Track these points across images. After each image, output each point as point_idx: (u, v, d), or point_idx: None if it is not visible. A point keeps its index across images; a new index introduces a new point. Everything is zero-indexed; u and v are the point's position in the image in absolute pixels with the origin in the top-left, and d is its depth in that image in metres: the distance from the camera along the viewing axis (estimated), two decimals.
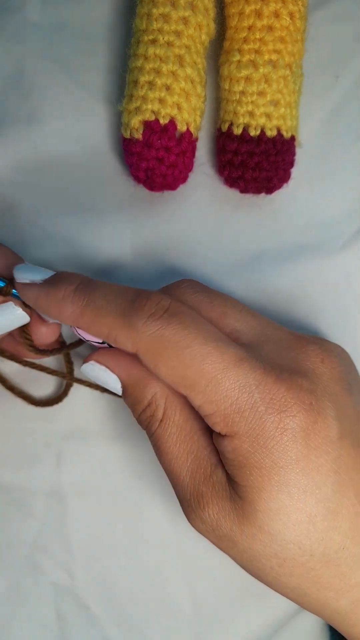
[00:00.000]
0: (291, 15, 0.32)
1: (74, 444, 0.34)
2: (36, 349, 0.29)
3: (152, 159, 0.32)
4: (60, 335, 0.30)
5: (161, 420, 0.26)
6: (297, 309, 0.35)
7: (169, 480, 0.27)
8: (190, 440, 0.26)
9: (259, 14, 0.32)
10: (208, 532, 0.26)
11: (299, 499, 0.23)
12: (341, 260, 0.35)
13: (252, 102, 0.32)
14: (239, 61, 0.32)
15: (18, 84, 0.36)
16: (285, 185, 0.34)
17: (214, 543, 0.26)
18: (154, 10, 0.31)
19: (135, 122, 0.32)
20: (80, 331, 0.27)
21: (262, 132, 0.32)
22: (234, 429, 0.24)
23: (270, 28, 0.32)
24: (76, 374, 0.33)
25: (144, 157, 0.32)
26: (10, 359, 0.32)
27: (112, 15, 0.36)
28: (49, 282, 0.26)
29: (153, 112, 0.32)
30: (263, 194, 0.35)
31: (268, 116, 0.32)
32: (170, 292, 0.28)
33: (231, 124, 0.33)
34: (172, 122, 0.32)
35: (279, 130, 0.32)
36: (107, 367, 0.27)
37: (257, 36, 0.32)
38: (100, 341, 0.27)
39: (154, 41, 0.32)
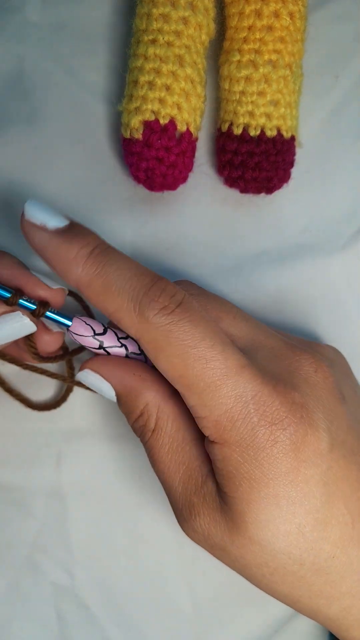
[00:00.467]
0: (291, 15, 0.32)
1: (74, 444, 0.34)
2: (40, 356, 0.29)
3: (152, 159, 0.32)
4: (63, 342, 0.31)
5: (153, 430, 0.26)
6: (297, 308, 0.35)
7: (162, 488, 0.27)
8: (182, 450, 0.26)
9: (259, 14, 0.32)
10: (200, 541, 0.26)
11: (288, 511, 0.23)
12: (341, 261, 0.35)
13: (252, 102, 0.32)
14: (239, 61, 0.32)
15: (18, 84, 0.36)
16: (285, 185, 0.34)
17: (207, 551, 0.26)
18: (154, 10, 0.31)
19: (135, 122, 0.32)
20: (77, 337, 0.27)
21: (262, 132, 0.32)
22: (225, 437, 0.24)
23: (270, 28, 0.32)
24: (76, 379, 0.34)
25: (144, 157, 0.32)
26: (11, 362, 0.32)
27: (112, 15, 0.36)
28: (63, 235, 0.24)
29: (153, 112, 0.31)
30: (263, 194, 0.35)
31: (268, 116, 0.32)
32: None
33: (231, 124, 0.33)
34: (172, 122, 0.32)
35: (279, 130, 0.32)
36: (101, 375, 0.27)
37: (257, 36, 0.32)
38: (97, 347, 0.27)
39: (154, 41, 0.32)
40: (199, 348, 0.23)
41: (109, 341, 0.27)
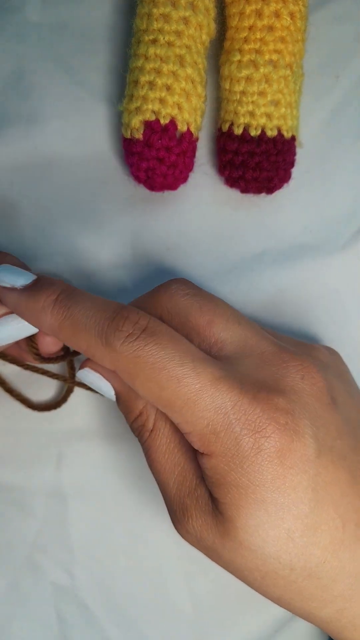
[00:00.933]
0: (292, 15, 0.32)
1: (74, 444, 0.34)
2: (41, 356, 0.29)
3: (153, 159, 0.32)
4: (64, 345, 0.31)
5: (151, 431, 0.26)
6: (297, 308, 0.35)
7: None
8: (179, 452, 0.26)
9: (259, 14, 0.32)
10: (194, 543, 0.26)
11: (276, 516, 0.24)
12: (341, 261, 0.35)
13: (252, 102, 0.32)
14: (239, 61, 0.32)
15: (18, 84, 0.36)
16: (285, 185, 0.34)
17: (201, 552, 0.26)
18: (155, 10, 0.31)
19: (136, 122, 0.32)
20: None
21: (263, 132, 0.32)
22: (211, 448, 0.24)
23: (270, 28, 0.32)
24: (77, 379, 0.34)
25: (144, 157, 0.32)
26: (12, 363, 0.32)
27: (113, 15, 0.36)
28: (30, 289, 0.26)
29: (153, 112, 0.31)
30: (263, 194, 0.35)
31: (268, 116, 0.32)
32: (160, 294, 0.27)
33: (232, 124, 0.33)
34: (172, 122, 0.32)
35: (279, 130, 0.32)
36: (101, 374, 0.27)
37: (258, 36, 0.32)
38: None
39: (154, 41, 0.32)
40: (169, 369, 0.24)
41: None
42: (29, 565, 0.34)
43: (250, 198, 0.35)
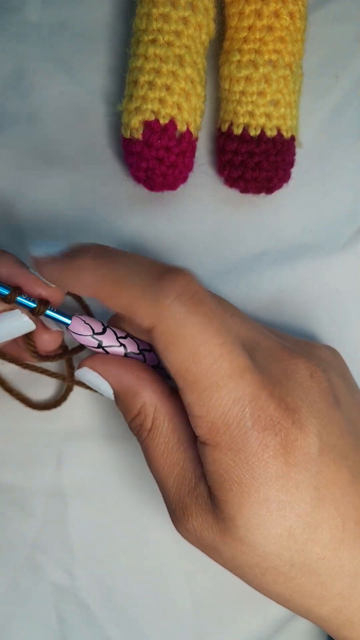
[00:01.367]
0: (291, 15, 0.32)
1: (74, 444, 0.34)
2: (39, 355, 0.29)
3: (152, 158, 0.32)
4: (63, 341, 0.31)
5: (150, 430, 0.26)
6: (297, 308, 0.35)
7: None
8: (177, 451, 0.26)
9: (259, 14, 0.32)
10: (193, 541, 0.26)
11: (278, 515, 0.24)
12: (341, 261, 0.35)
13: (252, 102, 0.32)
14: (239, 61, 0.32)
15: (18, 84, 0.36)
16: (285, 185, 0.34)
17: (200, 550, 0.26)
18: (154, 10, 0.31)
19: (135, 122, 0.32)
20: (74, 335, 0.27)
21: (262, 132, 0.32)
22: (217, 439, 0.24)
23: (270, 28, 0.32)
24: (75, 375, 0.34)
25: (144, 157, 0.32)
26: (11, 362, 0.32)
27: (112, 15, 0.36)
28: (67, 253, 0.25)
29: (153, 112, 0.31)
30: (263, 194, 0.35)
31: (268, 116, 0.32)
32: None
33: (231, 124, 0.33)
34: (172, 122, 0.32)
35: (279, 130, 0.32)
36: (99, 373, 0.27)
37: (257, 36, 0.32)
38: (96, 346, 0.27)
39: (154, 41, 0.32)
40: (210, 344, 0.23)
41: (108, 340, 0.27)
42: (29, 565, 0.34)
43: (249, 198, 0.35)
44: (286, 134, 0.33)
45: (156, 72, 0.31)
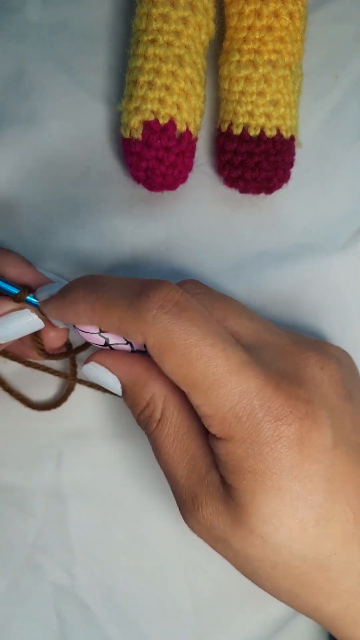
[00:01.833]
0: (291, 15, 0.32)
1: (74, 444, 0.34)
2: (45, 352, 0.30)
3: (152, 158, 0.32)
4: (68, 340, 0.31)
5: (159, 421, 0.26)
6: (297, 309, 0.35)
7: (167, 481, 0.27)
8: (187, 440, 0.26)
9: (258, 14, 0.32)
10: (203, 534, 0.26)
11: (291, 505, 0.24)
12: (341, 260, 0.35)
13: (251, 102, 0.32)
14: (238, 61, 0.32)
15: (18, 84, 0.36)
16: (285, 185, 0.34)
17: (209, 545, 0.26)
18: (154, 10, 0.31)
19: (135, 122, 0.32)
20: (82, 333, 0.27)
21: (262, 132, 0.32)
22: (230, 433, 0.24)
23: (269, 28, 0.32)
24: (79, 376, 0.34)
25: (143, 157, 0.32)
26: (13, 360, 0.33)
27: (112, 15, 0.36)
28: (62, 291, 0.27)
29: (152, 112, 0.31)
30: (263, 194, 0.35)
31: (268, 116, 0.32)
32: None
33: (231, 124, 0.33)
34: (171, 122, 0.32)
35: (278, 130, 0.32)
36: (107, 367, 0.27)
37: (257, 36, 0.32)
38: (103, 344, 0.27)
39: (153, 41, 0.32)
40: (201, 346, 0.24)
41: (115, 338, 0.27)
42: (29, 565, 0.34)
43: (249, 198, 0.35)
44: (286, 134, 0.33)
45: (156, 72, 0.31)
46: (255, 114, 0.32)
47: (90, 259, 0.35)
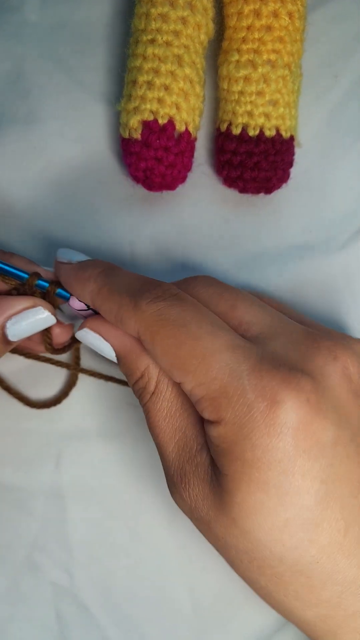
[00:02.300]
0: (290, 15, 0.32)
1: (74, 444, 0.34)
2: (52, 348, 0.31)
3: (151, 158, 0.32)
4: (73, 333, 0.32)
5: (153, 393, 0.26)
6: (297, 308, 0.35)
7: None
8: (180, 416, 0.26)
9: (257, 14, 0.32)
10: (187, 512, 0.25)
11: (277, 502, 0.22)
12: (341, 260, 0.35)
13: (250, 102, 0.32)
14: (237, 61, 0.32)
15: (17, 84, 0.36)
16: (284, 185, 0.34)
17: (193, 523, 0.26)
18: (153, 10, 0.31)
19: (134, 122, 0.32)
20: (72, 303, 0.29)
21: (261, 132, 0.32)
22: (221, 414, 0.23)
23: (269, 28, 0.32)
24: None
25: (142, 157, 0.32)
26: (14, 353, 0.33)
27: (111, 15, 0.36)
28: (81, 264, 0.29)
29: (152, 112, 0.31)
30: (262, 194, 0.35)
31: (267, 116, 0.32)
32: (183, 285, 0.28)
33: (230, 124, 0.33)
34: (170, 122, 0.32)
35: (277, 130, 0.32)
36: (100, 335, 0.27)
37: (256, 36, 0.32)
38: (85, 308, 0.28)
39: (152, 41, 0.32)
40: (189, 327, 0.24)
41: None
42: (28, 565, 0.34)
43: (248, 198, 0.35)
44: (285, 134, 0.33)
45: (155, 72, 0.31)
46: (255, 114, 0.32)
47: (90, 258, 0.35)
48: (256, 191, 0.34)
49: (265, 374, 0.23)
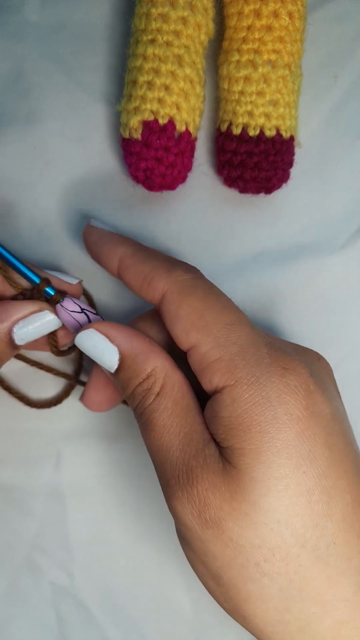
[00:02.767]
0: (290, 15, 0.32)
1: (73, 444, 0.34)
2: (57, 350, 0.31)
3: (151, 158, 0.32)
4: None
5: (158, 394, 0.26)
6: (297, 308, 0.35)
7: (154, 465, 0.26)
8: (186, 415, 0.26)
9: (258, 14, 0.32)
10: (194, 516, 0.24)
11: (297, 466, 0.23)
12: (341, 260, 0.35)
13: (251, 102, 0.32)
14: (238, 61, 0.32)
15: (17, 84, 0.36)
16: (284, 185, 0.34)
17: (197, 532, 0.24)
18: (153, 10, 0.31)
19: (134, 122, 0.32)
20: (66, 304, 0.29)
21: (261, 132, 0.32)
22: (237, 374, 0.24)
23: (269, 28, 0.32)
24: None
25: (142, 157, 0.32)
26: (18, 359, 0.33)
27: (111, 15, 0.36)
28: (112, 233, 0.31)
29: (152, 112, 0.31)
30: (262, 194, 0.35)
31: (267, 116, 0.32)
32: None
33: (230, 124, 0.33)
34: (171, 122, 0.32)
35: (278, 130, 0.32)
36: (107, 336, 0.27)
37: (256, 36, 0.32)
38: (80, 310, 0.29)
39: (152, 41, 0.32)
40: (218, 297, 0.27)
41: (94, 318, 0.29)
42: (28, 565, 0.34)
43: (249, 198, 0.35)
44: (285, 134, 0.33)
45: (155, 72, 0.31)
46: (255, 114, 0.32)
47: (89, 259, 0.34)
48: (256, 191, 0.34)
49: (279, 345, 0.26)
